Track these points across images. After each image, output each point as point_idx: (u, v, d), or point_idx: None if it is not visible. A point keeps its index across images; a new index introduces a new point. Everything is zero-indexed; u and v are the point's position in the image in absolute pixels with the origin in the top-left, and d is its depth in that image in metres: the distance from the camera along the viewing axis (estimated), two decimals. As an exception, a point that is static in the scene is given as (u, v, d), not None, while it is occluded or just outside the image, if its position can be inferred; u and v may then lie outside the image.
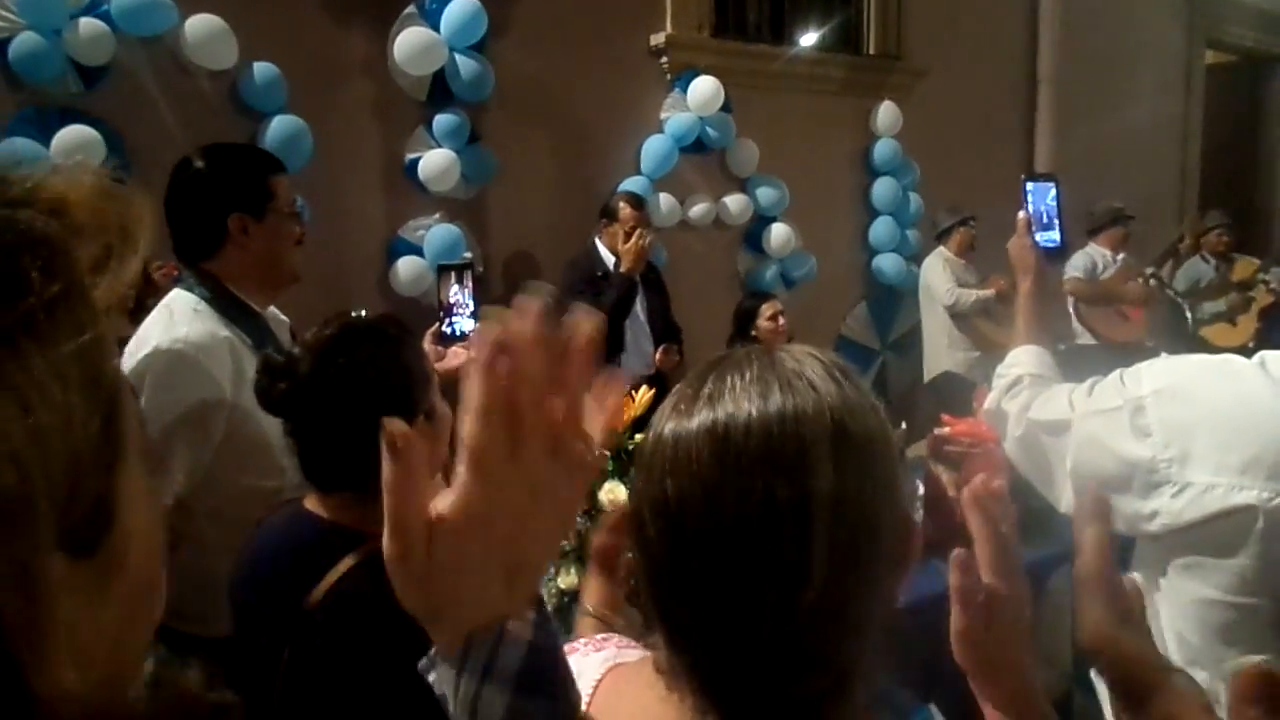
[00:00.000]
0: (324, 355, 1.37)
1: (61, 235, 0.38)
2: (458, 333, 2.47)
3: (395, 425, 0.54)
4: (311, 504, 1.44)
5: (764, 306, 4.36)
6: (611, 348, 4.05)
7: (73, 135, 3.35)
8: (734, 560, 0.67)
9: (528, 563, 0.56)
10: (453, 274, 2.56)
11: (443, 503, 0.53)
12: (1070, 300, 5.56)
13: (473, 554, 0.53)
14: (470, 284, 2.56)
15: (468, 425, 0.52)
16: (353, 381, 1.36)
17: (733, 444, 0.68)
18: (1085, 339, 5.41)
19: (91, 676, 0.37)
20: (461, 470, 0.53)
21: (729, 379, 0.72)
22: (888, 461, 0.71)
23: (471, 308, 2.55)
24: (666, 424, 0.73)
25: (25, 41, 3.32)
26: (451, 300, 2.52)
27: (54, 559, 0.36)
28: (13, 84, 3.39)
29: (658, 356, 4.13)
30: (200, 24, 3.61)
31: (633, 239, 3.93)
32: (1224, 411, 1.19)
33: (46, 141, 3.33)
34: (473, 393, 0.52)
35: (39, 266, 0.37)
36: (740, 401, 0.69)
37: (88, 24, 3.40)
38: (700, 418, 0.70)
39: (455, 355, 2.34)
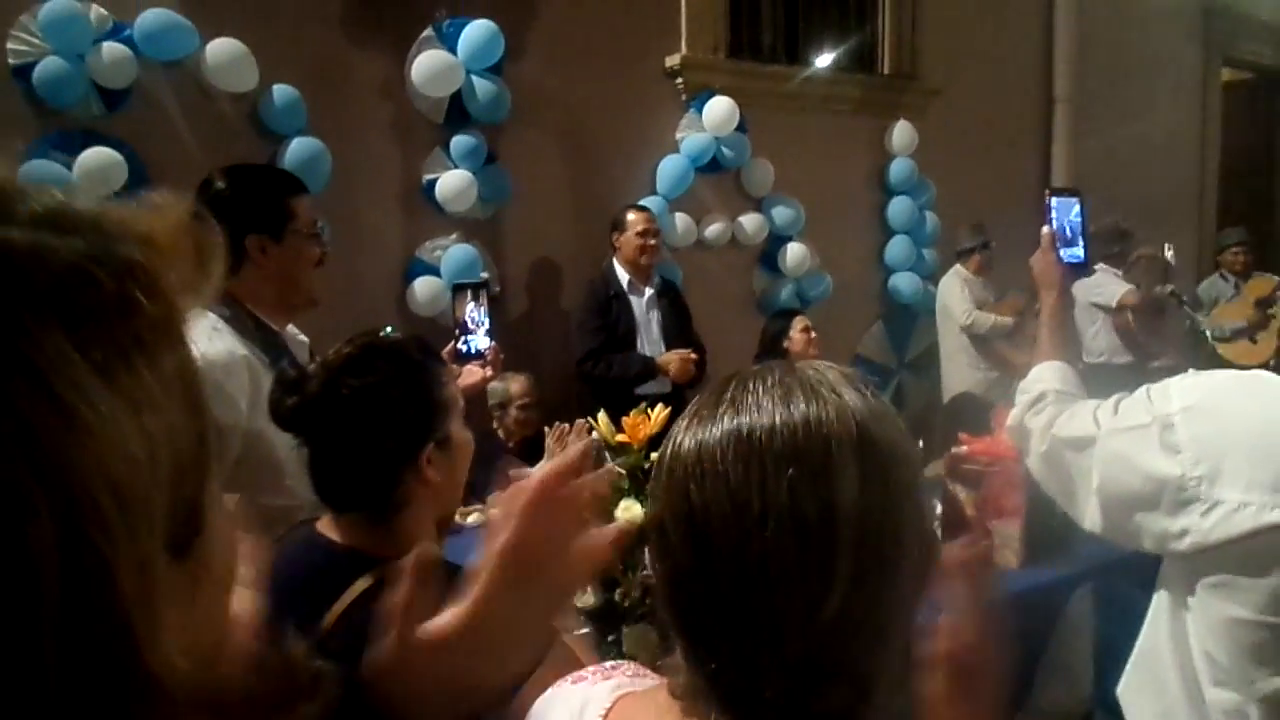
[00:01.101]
0: (337, 374, 1.35)
1: (156, 264, 0.41)
2: (473, 351, 2.48)
3: (427, 551, 0.59)
4: (325, 526, 1.42)
5: (795, 320, 4.48)
6: (593, 383, 4.10)
7: (95, 157, 3.39)
8: (758, 565, 0.67)
9: (503, 680, 0.61)
10: (468, 292, 2.57)
11: (441, 620, 0.58)
12: (1099, 317, 5.49)
13: (461, 663, 0.58)
14: (485, 303, 2.57)
15: (490, 559, 0.57)
16: (364, 403, 1.33)
17: (757, 447, 0.68)
18: (1121, 357, 5.35)
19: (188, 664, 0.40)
20: (483, 580, 0.58)
21: (751, 386, 0.72)
22: (911, 471, 0.72)
23: (487, 326, 2.55)
24: (686, 434, 0.73)
25: (50, 66, 3.37)
26: (467, 319, 2.53)
27: (163, 555, 0.39)
28: (37, 107, 3.44)
29: (674, 364, 4.07)
30: (221, 48, 3.65)
31: (679, 363, 4.03)
32: (1255, 429, 1.18)
33: (70, 164, 3.37)
34: (505, 534, 0.57)
35: (143, 291, 0.40)
36: (764, 406, 0.70)
37: (110, 48, 3.45)
38: (724, 424, 0.70)
39: (470, 373, 2.34)
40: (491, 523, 0.60)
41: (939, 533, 2.60)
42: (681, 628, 0.73)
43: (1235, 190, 8.17)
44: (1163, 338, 5.37)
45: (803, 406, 0.69)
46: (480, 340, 2.51)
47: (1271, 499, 1.13)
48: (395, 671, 0.57)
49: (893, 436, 0.71)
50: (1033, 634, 2.50)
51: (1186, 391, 1.25)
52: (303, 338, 2.19)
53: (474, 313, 2.54)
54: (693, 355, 4.09)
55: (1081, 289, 5.51)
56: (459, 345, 2.48)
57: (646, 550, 0.80)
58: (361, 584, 1.28)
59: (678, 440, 0.73)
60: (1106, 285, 5.47)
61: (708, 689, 0.71)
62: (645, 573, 1.91)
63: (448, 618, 0.57)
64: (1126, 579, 1.42)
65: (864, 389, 0.73)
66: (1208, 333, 5.43)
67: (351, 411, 1.33)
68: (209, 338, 1.86)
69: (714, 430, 0.70)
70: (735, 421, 0.70)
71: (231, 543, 0.48)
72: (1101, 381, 1.40)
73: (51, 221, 0.39)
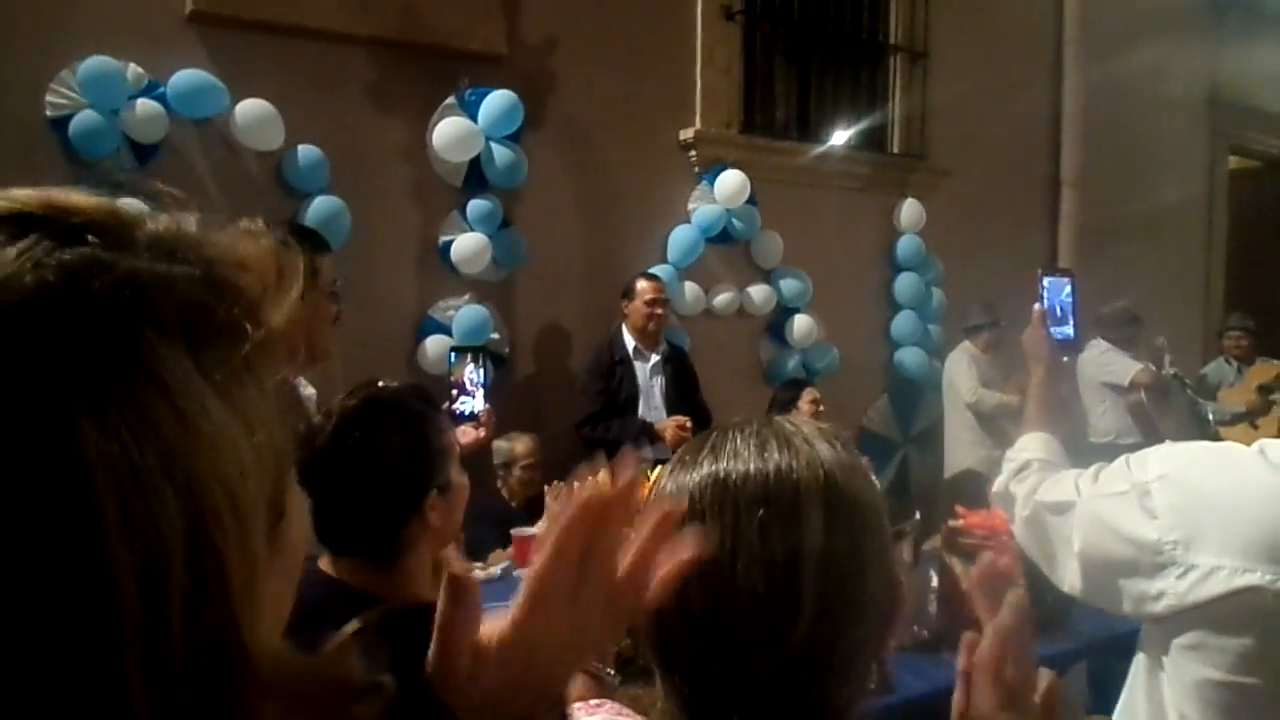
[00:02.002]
0: (344, 426, 1.39)
1: (254, 289, 0.47)
2: (467, 414, 2.51)
3: (459, 568, 0.62)
4: (324, 563, 1.46)
5: (805, 392, 4.58)
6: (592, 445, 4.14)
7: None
8: (729, 598, 0.72)
9: (557, 681, 0.64)
10: (468, 356, 2.61)
11: (495, 627, 0.61)
12: (1108, 397, 5.52)
13: (513, 672, 0.60)
14: (485, 367, 2.60)
15: (540, 560, 0.60)
16: (371, 453, 1.39)
17: (732, 490, 0.74)
18: (1127, 438, 5.36)
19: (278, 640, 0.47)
20: (522, 598, 0.61)
21: (731, 436, 0.78)
22: (875, 517, 0.77)
23: (484, 389, 2.59)
24: (669, 478, 0.79)
25: (85, 119, 3.50)
26: (466, 380, 2.57)
27: (264, 547, 0.45)
28: (71, 158, 3.56)
29: (669, 430, 4.10)
30: (250, 108, 3.78)
31: (673, 430, 4.07)
32: (1227, 496, 1.22)
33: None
34: (556, 534, 0.60)
35: (249, 317, 0.45)
36: (741, 454, 0.76)
37: (144, 105, 3.58)
38: (703, 469, 0.76)
39: (464, 434, 2.35)
40: (539, 538, 0.63)
41: (934, 607, 2.61)
42: (660, 657, 0.77)
43: (1242, 276, 8.24)
44: (1167, 418, 5.39)
45: (775, 455, 0.75)
46: (476, 403, 2.54)
47: (1242, 563, 1.17)
48: (441, 684, 0.61)
49: (859, 485, 0.76)
50: (1027, 710, 2.49)
51: (1163, 460, 1.30)
52: (310, 390, 2.22)
53: (472, 375, 2.57)
54: (687, 423, 4.11)
55: (1092, 368, 5.56)
56: (455, 407, 2.51)
57: None
58: (356, 623, 1.31)
59: (661, 484, 0.79)
60: (1117, 365, 5.51)
61: (684, 717, 0.75)
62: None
63: (492, 631, 0.61)
64: (1121, 655, 1.44)
65: (835, 442, 0.78)
66: (1210, 416, 5.45)
67: (357, 462, 1.38)
68: None
69: (694, 474, 0.76)
70: (713, 467, 0.76)
71: (302, 524, 0.54)
72: (1107, 461, 1.44)
73: (167, 249, 0.44)
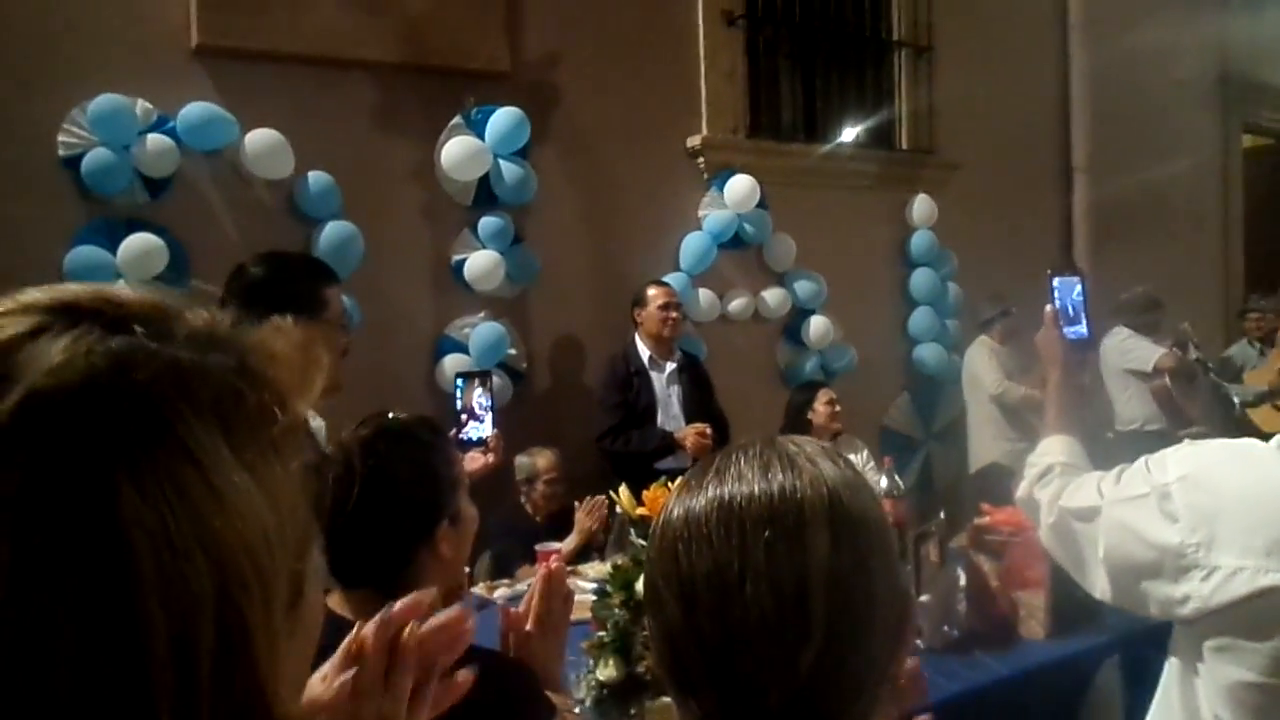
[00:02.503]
0: (354, 457, 1.40)
1: (283, 379, 0.52)
2: (473, 439, 2.51)
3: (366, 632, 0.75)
4: (334, 602, 1.44)
5: (820, 393, 4.57)
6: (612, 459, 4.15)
7: (138, 243, 3.53)
8: (739, 621, 0.73)
9: None
10: (475, 381, 2.61)
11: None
12: (1132, 384, 5.48)
13: None
14: (490, 391, 2.60)
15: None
16: (380, 484, 1.39)
17: (737, 513, 0.75)
18: (1152, 425, 5.32)
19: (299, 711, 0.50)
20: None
21: (735, 458, 0.79)
22: (882, 536, 0.77)
23: (491, 414, 2.58)
24: (676, 503, 0.79)
25: (97, 156, 3.53)
26: (474, 405, 2.57)
27: (284, 615, 0.48)
28: (84, 195, 3.60)
29: (689, 438, 4.12)
30: (259, 138, 3.81)
31: (694, 438, 4.09)
32: (1247, 496, 1.21)
33: (113, 249, 3.51)
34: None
35: (277, 403, 0.50)
36: (745, 476, 0.77)
37: (155, 139, 3.62)
38: (708, 493, 0.77)
39: (472, 459, 2.35)
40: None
41: (963, 605, 2.59)
42: (674, 681, 0.78)
43: (1262, 255, 8.16)
44: (1193, 403, 5.34)
45: (779, 476, 0.76)
46: (485, 429, 2.54)
47: (1265, 563, 1.16)
48: None
49: (864, 502, 0.77)
50: (1062, 705, 2.47)
51: (1182, 461, 1.29)
52: (320, 421, 2.21)
53: (480, 399, 2.57)
54: (707, 430, 4.11)
55: (1115, 356, 5.52)
56: (463, 433, 2.50)
57: (646, 606, 0.85)
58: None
59: (669, 509, 0.80)
60: (1140, 351, 5.46)
61: None
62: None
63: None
64: (1154, 648, 1.43)
65: (839, 461, 0.79)
66: (1236, 399, 5.40)
67: (367, 493, 1.37)
68: None
69: (700, 499, 0.77)
70: (719, 490, 0.77)
71: (319, 602, 0.56)
72: (1133, 449, 1.43)
73: (204, 340, 0.48)
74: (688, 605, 0.75)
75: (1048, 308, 1.75)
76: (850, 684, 0.74)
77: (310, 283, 2.08)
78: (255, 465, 0.46)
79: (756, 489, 0.75)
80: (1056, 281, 1.78)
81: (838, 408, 4.48)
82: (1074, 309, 1.77)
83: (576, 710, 1.53)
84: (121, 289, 0.49)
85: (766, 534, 0.73)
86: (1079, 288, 1.79)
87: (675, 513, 0.78)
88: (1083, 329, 1.77)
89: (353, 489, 1.38)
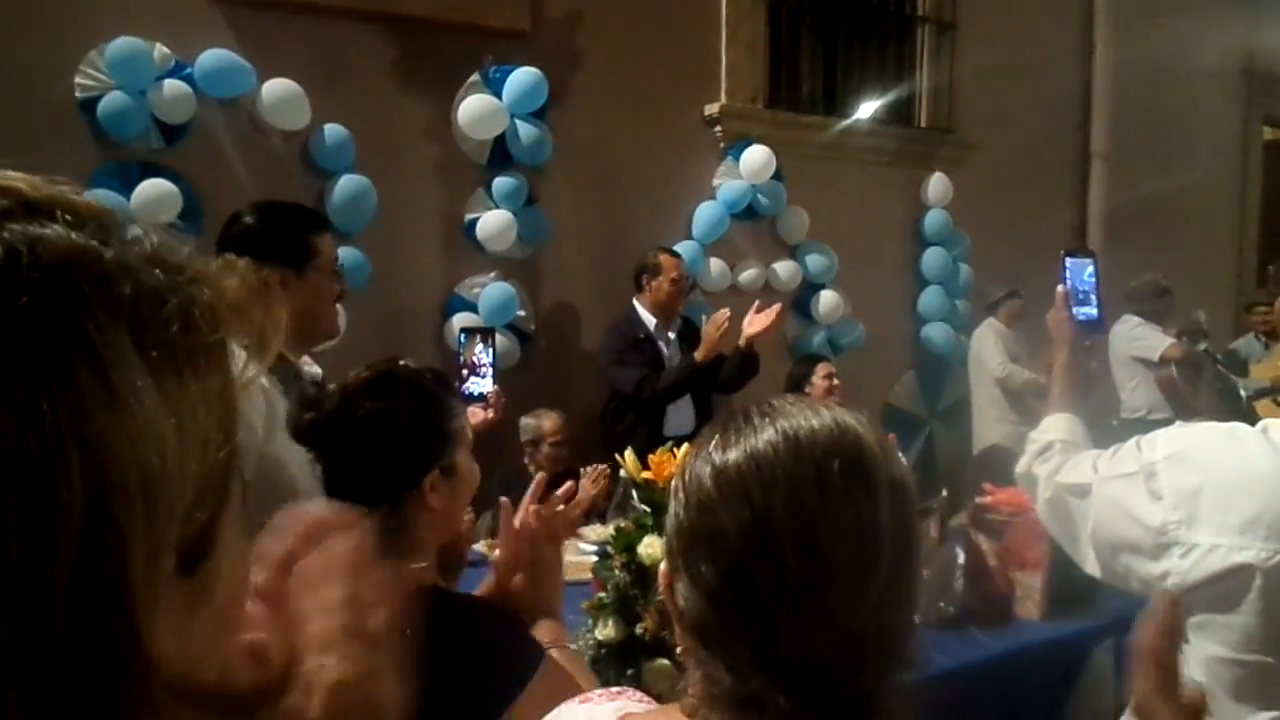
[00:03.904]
0: (353, 396, 1.42)
1: (221, 308, 0.47)
2: (475, 394, 2.53)
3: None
4: None
5: (819, 367, 4.55)
6: (654, 410, 4.11)
7: (152, 189, 3.53)
8: (829, 546, 0.75)
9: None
10: (477, 337, 2.62)
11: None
12: (1139, 372, 5.48)
13: None
14: (493, 347, 2.62)
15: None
16: (375, 425, 1.40)
17: (806, 445, 0.77)
18: (1159, 413, 5.32)
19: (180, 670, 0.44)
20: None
21: (773, 404, 0.82)
22: (909, 483, 0.81)
23: (492, 370, 2.60)
24: (729, 451, 0.79)
25: (114, 100, 3.52)
26: (475, 360, 2.59)
27: (171, 558, 0.42)
28: (100, 138, 3.59)
29: (709, 337, 4.03)
30: (276, 88, 3.80)
31: (712, 330, 3.98)
32: (1227, 475, 1.25)
33: (128, 194, 3.51)
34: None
35: (206, 319, 0.46)
36: (793, 415, 0.80)
37: (171, 85, 3.60)
38: (765, 434, 0.78)
39: (473, 414, 2.36)
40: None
41: (960, 583, 2.61)
42: (724, 627, 0.77)
43: (1276, 249, 8.11)
44: (1201, 395, 5.33)
45: (825, 413, 0.80)
46: (485, 384, 2.56)
47: (1239, 540, 1.21)
48: None
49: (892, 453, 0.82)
50: (1055, 686, 2.49)
51: (1171, 441, 1.34)
52: (317, 369, 2.21)
53: (481, 356, 2.59)
54: (723, 316, 4.00)
55: (1122, 343, 5.51)
56: (465, 388, 2.52)
57: (668, 572, 0.85)
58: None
59: (722, 458, 0.79)
60: (1148, 339, 5.45)
61: (732, 692, 0.77)
62: (659, 599, 1.95)
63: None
64: (1147, 633, 1.46)
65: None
66: (1242, 391, 5.39)
67: (363, 432, 1.40)
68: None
69: (759, 439, 0.78)
70: (778, 427, 0.79)
71: (239, 580, 0.50)
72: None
73: (141, 251, 0.45)
74: (765, 541, 0.75)
75: (1059, 288, 1.76)
76: (907, 611, 0.78)
77: (298, 231, 2.07)
78: (161, 369, 0.42)
79: (816, 423, 0.78)
80: (1069, 262, 1.79)
81: (836, 381, 4.46)
82: (1085, 290, 1.77)
83: (573, 646, 1.54)
84: (79, 196, 0.45)
85: (836, 462, 0.76)
86: (1091, 268, 1.79)
87: (730, 457, 0.78)
88: (1093, 311, 1.77)
89: (347, 423, 1.41)
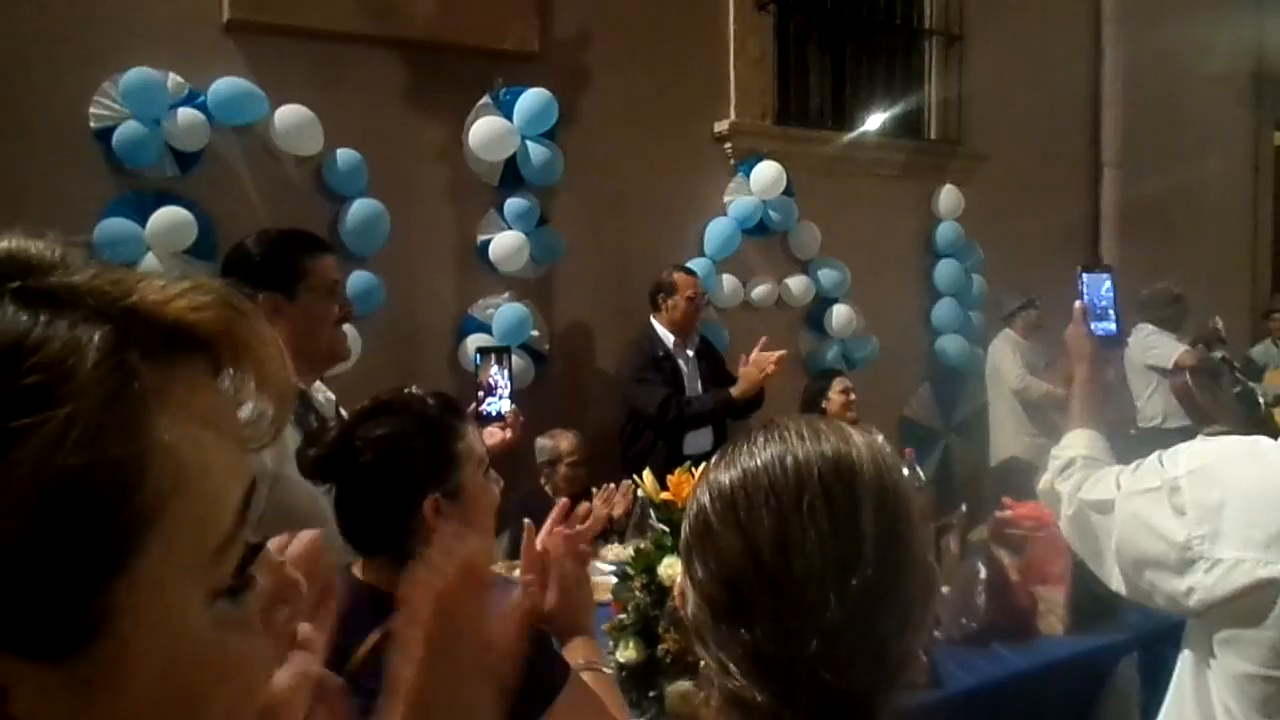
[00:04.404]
0: (352, 427, 1.46)
1: (82, 335, 0.41)
2: (494, 414, 2.53)
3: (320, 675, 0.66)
4: (356, 567, 1.50)
5: (835, 381, 4.58)
6: (675, 429, 4.10)
7: (167, 217, 3.55)
8: (800, 539, 0.80)
9: None
10: (492, 356, 2.63)
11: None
12: (1154, 380, 5.45)
13: None
14: (509, 367, 2.62)
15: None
16: (372, 453, 1.44)
17: (792, 465, 0.83)
18: (1175, 421, 5.29)
19: None
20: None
21: (780, 426, 0.87)
22: (914, 504, 0.85)
23: (509, 389, 2.60)
24: (762, 452, 0.85)
25: (128, 130, 3.55)
26: (491, 380, 2.59)
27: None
28: (115, 168, 3.63)
29: (750, 375, 4.01)
30: (289, 114, 3.82)
31: (755, 372, 3.95)
32: (1250, 489, 1.24)
33: (143, 222, 3.54)
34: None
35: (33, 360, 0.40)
36: (790, 440, 0.85)
37: (185, 114, 3.63)
38: (766, 453, 0.84)
39: (491, 434, 2.35)
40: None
41: (982, 598, 2.59)
42: (728, 617, 0.82)
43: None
44: (1217, 401, 5.30)
45: (826, 431, 0.87)
46: (502, 403, 2.56)
47: (1264, 555, 1.19)
48: None
49: (898, 469, 0.86)
50: (1079, 701, 2.47)
51: (1194, 456, 1.32)
52: (330, 395, 2.21)
53: (497, 376, 2.59)
54: (773, 357, 3.98)
55: (1137, 351, 5.48)
56: (481, 408, 2.52)
57: (681, 584, 0.90)
58: (386, 626, 1.34)
59: (719, 478, 0.86)
60: (1162, 347, 5.42)
61: (724, 692, 0.81)
62: (671, 605, 1.94)
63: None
64: (1173, 647, 1.45)
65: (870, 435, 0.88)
66: (1261, 398, 5.36)
67: (361, 461, 1.44)
68: None
69: (753, 461, 0.85)
70: (773, 451, 0.85)
71: (194, 656, 0.44)
72: (1154, 447, 1.45)
73: (48, 297, 0.41)
74: (750, 552, 0.81)
75: (1076, 303, 1.76)
76: (895, 615, 0.80)
77: (288, 254, 2.06)
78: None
79: (811, 444, 0.84)
80: (1086, 277, 1.79)
81: (852, 396, 4.49)
82: (1102, 305, 1.77)
83: (607, 669, 1.54)
84: (31, 242, 0.43)
85: (819, 474, 0.82)
86: (1108, 283, 1.79)
87: (726, 478, 0.85)
88: (1111, 325, 1.77)
89: (349, 460, 1.45)
